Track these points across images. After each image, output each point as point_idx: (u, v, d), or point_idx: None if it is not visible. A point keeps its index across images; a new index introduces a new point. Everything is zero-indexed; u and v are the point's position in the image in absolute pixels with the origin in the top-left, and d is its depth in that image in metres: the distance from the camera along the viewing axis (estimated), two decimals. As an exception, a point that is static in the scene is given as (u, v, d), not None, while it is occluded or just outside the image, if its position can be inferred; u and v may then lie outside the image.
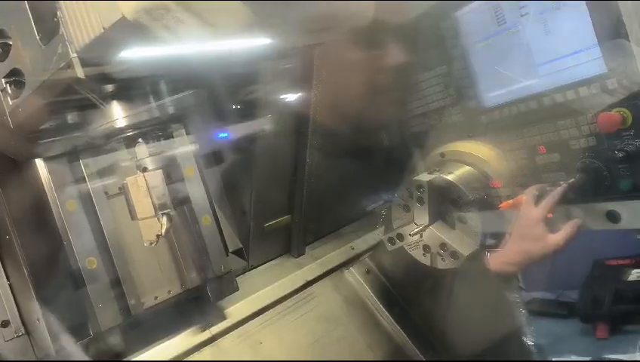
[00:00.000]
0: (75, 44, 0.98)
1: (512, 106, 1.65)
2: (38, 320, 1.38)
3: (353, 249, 2.15)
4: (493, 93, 1.70)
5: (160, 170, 1.31)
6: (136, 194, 1.29)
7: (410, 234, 1.65)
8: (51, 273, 1.42)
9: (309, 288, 1.98)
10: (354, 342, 1.90)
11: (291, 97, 1.94)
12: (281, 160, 1.95)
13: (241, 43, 1.34)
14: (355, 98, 1.99)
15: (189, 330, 1.61)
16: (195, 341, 1.60)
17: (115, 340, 1.43)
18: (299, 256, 2.10)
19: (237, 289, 1.67)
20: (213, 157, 1.91)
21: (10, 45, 1.11)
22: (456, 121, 1.82)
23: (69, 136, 1.37)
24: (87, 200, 1.44)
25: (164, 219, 1.30)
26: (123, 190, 1.33)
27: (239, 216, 1.96)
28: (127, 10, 0.87)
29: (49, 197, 1.39)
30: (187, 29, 0.93)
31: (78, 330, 1.41)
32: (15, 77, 1.13)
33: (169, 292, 1.57)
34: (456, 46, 1.73)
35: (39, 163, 1.39)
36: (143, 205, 1.29)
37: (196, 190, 1.61)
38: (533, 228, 1.48)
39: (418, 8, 1.85)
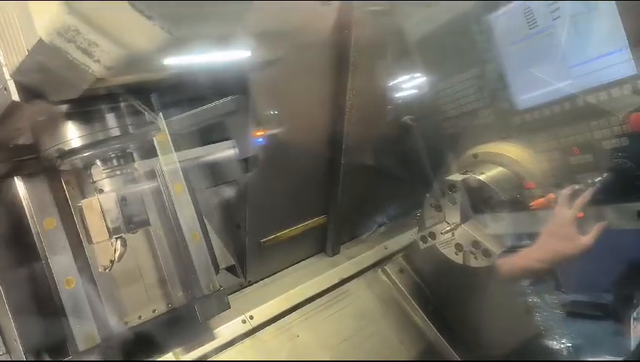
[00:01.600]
0: (9, 67, 1.00)
1: (545, 108, 1.68)
2: (15, 340, 1.36)
3: (387, 248, 2.21)
4: (526, 95, 1.73)
5: (114, 193, 1.26)
6: (91, 217, 1.25)
7: (441, 233, 1.69)
8: (28, 292, 1.40)
9: (343, 286, 2.04)
10: (387, 339, 1.95)
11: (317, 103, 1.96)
12: (282, 173, 1.91)
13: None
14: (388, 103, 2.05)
15: (230, 322, 1.69)
16: (237, 331, 1.68)
17: (94, 359, 1.39)
18: (334, 254, 2.16)
19: (228, 307, 1.60)
20: (209, 172, 1.87)
21: None
22: (489, 122, 1.86)
23: (27, 157, 1.35)
24: (67, 217, 1.40)
25: (118, 244, 1.27)
26: (79, 213, 1.30)
27: (234, 231, 1.91)
28: (42, 31, 0.89)
29: (27, 214, 1.36)
30: (102, 50, 0.93)
31: (57, 350, 1.39)
32: None
33: (154, 311, 1.53)
34: (489, 49, 1.77)
35: (17, 181, 1.37)
36: (98, 228, 1.25)
37: (184, 206, 1.56)
38: (564, 228, 1.50)
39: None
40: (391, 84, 2.13)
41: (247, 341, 1.70)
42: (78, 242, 1.42)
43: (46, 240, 1.36)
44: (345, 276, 2.05)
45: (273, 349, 1.72)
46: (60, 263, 1.36)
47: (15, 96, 1.02)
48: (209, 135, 1.84)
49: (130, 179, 1.34)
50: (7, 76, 1.02)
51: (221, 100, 1.70)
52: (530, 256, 1.58)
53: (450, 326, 2.02)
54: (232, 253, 1.92)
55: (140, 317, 1.50)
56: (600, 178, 1.52)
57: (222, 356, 1.62)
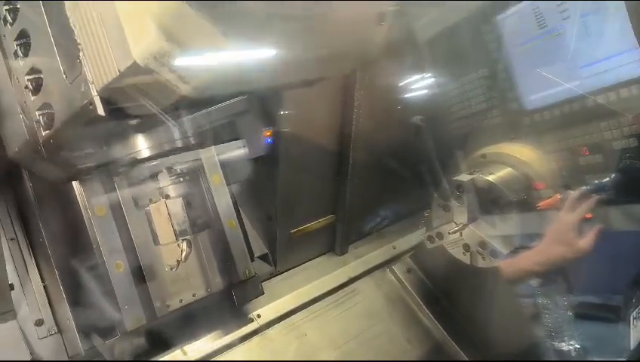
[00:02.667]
0: (96, 85, 1.04)
1: (555, 108, 1.67)
2: (68, 320, 1.43)
3: (395, 248, 2.21)
4: (535, 96, 1.72)
5: (180, 198, 1.37)
6: (158, 221, 1.37)
7: (449, 233, 1.70)
8: (81, 275, 1.45)
9: (351, 285, 2.05)
10: (394, 338, 1.96)
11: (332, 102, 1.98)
12: (309, 167, 1.96)
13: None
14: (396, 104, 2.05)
15: (238, 320, 1.71)
16: (245, 330, 1.70)
17: (140, 340, 1.47)
18: (342, 254, 2.17)
19: (262, 293, 1.67)
20: (241, 165, 1.90)
21: (42, 80, 1.19)
22: (498, 123, 1.85)
23: (96, 165, 1.40)
24: (116, 207, 1.46)
25: (184, 245, 1.39)
26: (146, 216, 1.41)
27: (266, 222, 1.98)
28: (138, 55, 0.93)
29: (80, 203, 1.42)
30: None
31: (106, 330, 1.44)
32: (47, 110, 1.20)
33: (194, 295, 1.58)
34: (499, 49, 1.76)
35: (75, 183, 1.42)
36: (165, 231, 1.37)
37: (222, 196, 1.62)
38: (564, 232, 1.50)
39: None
40: (400, 84, 2.13)
41: (255, 339, 1.71)
42: (125, 230, 1.47)
43: (97, 226, 1.41)
44: (353, 275, 2.06)
45: (280, 348, 1.73)
46: (110, 248, 1.42)
47: (101, 112, 1.06)
48: (219, 134, 1.86)
49: (192, 183, 1.44)
50: (94, 92, 1.05)
51: (232, 100, 1.72)
52: (530, 259, 1.57)
53: (457, 325, 2.02)
54: (265, 243, 1.99)
55: (180, 301, 1.55)
56: (608, 180, 1.51)
57: (229, 354, 1.63)
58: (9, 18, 1.21)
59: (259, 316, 1.76)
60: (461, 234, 1.70)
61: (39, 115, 1.21)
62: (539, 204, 1.62)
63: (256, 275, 1.66)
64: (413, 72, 2.11)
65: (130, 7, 0.93)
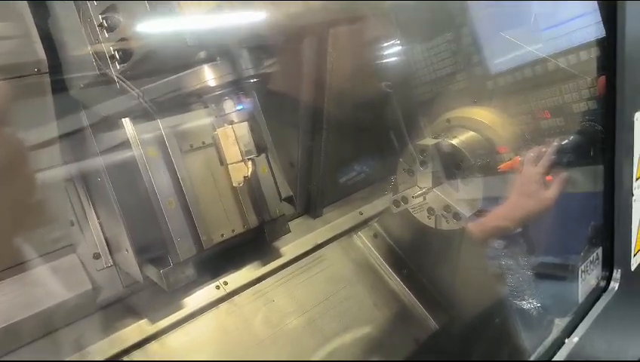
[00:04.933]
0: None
1: (517, 72, 1.68)
2: (127, 250, 1.56)
3: (362, 214, 2.22)
4: (498, 60, 1.73)
5: (246, 122, 1.50)
6: (225, 143, 1.50)
7: (412, 197, 1.71)
8: (137, 211, 1.56)
9: (319, 251, 2.05)
10: (362, 302, 1.98)
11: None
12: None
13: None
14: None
15: (205, 287, 1.70)
16: (212, 297, 1.69)
17: (190, 270, 1.57)
18: (316, 217, 2.17)
19: (289, 231, 1.83)
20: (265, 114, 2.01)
21: (119, 20, 1.26)
22: (462, 87, 1.86)
23: (167, 95, 1.50)
24: (164, 150, 1.58)
25: (250, 163, 1.52)
26: (213, 140, 1.54)
27: (289, 169, 2.13)
28: None
29: (133, 148, 1.52)
30: None
31: (159, 260, 1.56)
32: (123, 45, 1.27)
33: (233, 231, 1.73)
34: (462, 13, 1.76)
35: (125, 121, 1.52)
36: (232, 152, 1.50)
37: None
38: (530, 185, 1.53)
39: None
40: (367, 50, 2.11)
41: (223, 306, 1.71)
42: (173, 172, 1.58)
43: (150, 166, 1.53)
44: (320, 241, 2.06)
45: (248, 314, 1.74)
46: (163, 186, 1.54)
47: (192, 42, 1.14)
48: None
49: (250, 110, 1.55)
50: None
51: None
52: (499, 215, 1.61)
53: (424, 288, 2.06)
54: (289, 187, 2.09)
55: (222, 235, 1.70)
56: (567, 142, 1.54)
57: (195, 322, 1.63)
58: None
59: (226, 283, 1.75)
60: (425, 198, 1.72)
61: (114, 50, 1.29)
62: (499, 167, 1.65)
63: (285, 214, 1.81)
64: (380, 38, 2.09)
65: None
